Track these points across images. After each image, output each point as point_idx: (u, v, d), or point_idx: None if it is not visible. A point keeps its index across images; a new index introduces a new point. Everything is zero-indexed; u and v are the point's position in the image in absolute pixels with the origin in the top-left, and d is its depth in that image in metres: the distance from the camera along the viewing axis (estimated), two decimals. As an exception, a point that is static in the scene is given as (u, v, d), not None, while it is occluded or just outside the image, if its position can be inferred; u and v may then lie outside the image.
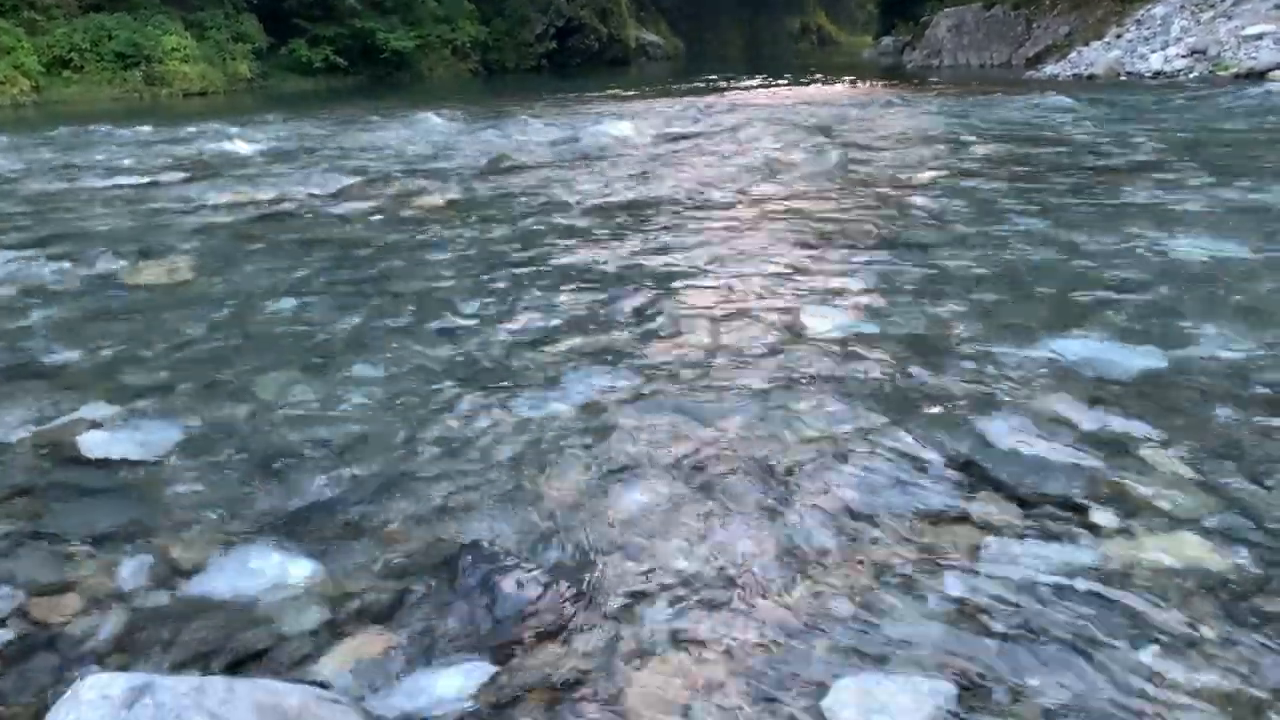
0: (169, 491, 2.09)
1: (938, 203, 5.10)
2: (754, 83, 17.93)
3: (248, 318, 3.46)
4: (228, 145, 9.32)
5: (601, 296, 3.54)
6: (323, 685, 1.39)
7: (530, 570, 1.66)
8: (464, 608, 1.59)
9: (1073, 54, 16.24)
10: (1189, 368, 2.57)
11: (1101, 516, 1.83)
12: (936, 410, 2.36)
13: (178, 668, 1.45)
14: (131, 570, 1.76)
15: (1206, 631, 1.49)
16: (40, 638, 1.57)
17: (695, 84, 18.00)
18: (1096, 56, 15.40)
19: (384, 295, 3.68)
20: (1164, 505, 1.86)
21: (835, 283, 3.57)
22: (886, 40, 29.88)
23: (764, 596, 1.62)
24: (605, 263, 4.08)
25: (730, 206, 5.27)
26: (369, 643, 1.53)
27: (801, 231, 4.54)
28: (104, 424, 2.46)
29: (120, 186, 6.90)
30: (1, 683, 1.45)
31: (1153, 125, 8.03)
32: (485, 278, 3.91)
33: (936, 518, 1.86)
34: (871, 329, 3.01)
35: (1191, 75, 13.19)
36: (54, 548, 1.85)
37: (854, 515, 1.88)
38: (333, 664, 1.48)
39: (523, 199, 5.83)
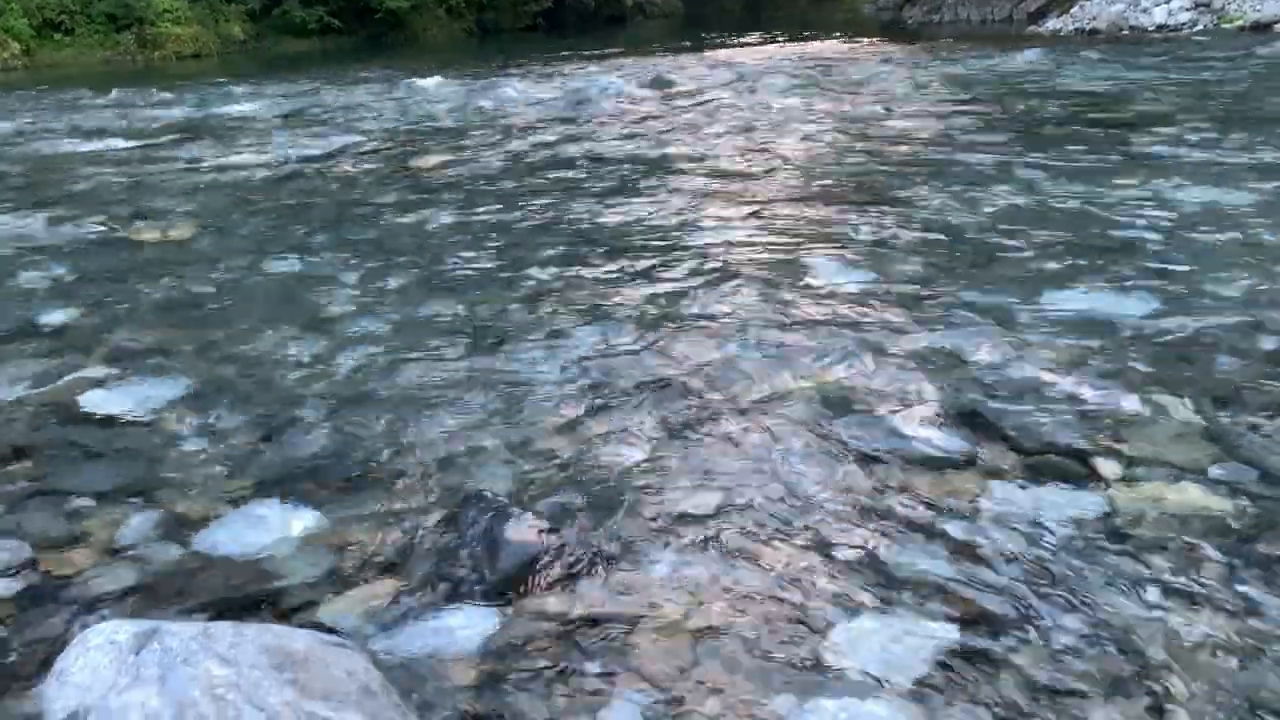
0: (172, 448, 2.09)
1: (939, 156, 5.06)
2: (753, 40, 17.71)
3: (247, 277, 3.45)
4: (222, 107, 9.24)
5: (601, 251, 3.52)
6: (329, 630, 1.40)
7: (534, 518, 1.66)
8: (468, 556, 1.60)
9: (1075, 8, 15.99)
10: (1191, 318, 2.57)
11: (1105, 464, 1.83)
12: (940, 359, 2.36)
13: (185, 616, 1.46)
14: (138, 524, 1.77)
15: (1209, 576, 1.50)
16: (49, 589, 1.58)
17: (694, 42, 17.79)
18: (1099, 10, 15.18)
19: (382, 253, 3.66)
20: (1167, 453, 1.86)
21: (838, 235, 3.56)
22: (886, -4, 29.42)
23: (769, 541, 1.63)
24: (604, 218, 4.05)
25: (730, 161, 5.23)
26: (374, 590, 1.54)
27: (804, 185, 4.51)
28: (105, 382, 2.46)
29: (115, 149, 6.85)
30: (12, 632, 1.46)
31: (1155, 79, 7.95)
32: (483, 235, 3.89)
33: (941, 465, 1.86)
34: (874, 280, 3.00)
35: (1195, 29, 13.00)
36: (61, 503, 1.86)
37: (859, 462, 1.89)
38: (339, 611, 1.49)
39: (519, 158, 5.79)
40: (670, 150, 5.74)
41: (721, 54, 14.36)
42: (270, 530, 1.73)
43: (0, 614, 1.51)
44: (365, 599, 1.52)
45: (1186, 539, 1.59)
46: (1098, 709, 1.24)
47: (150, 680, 1.08)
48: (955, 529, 1.65)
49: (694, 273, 3.19)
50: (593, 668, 1.35)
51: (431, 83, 10.39)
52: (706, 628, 1.42)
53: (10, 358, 2.68)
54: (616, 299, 2.97)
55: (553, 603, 1.49)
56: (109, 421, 2.25)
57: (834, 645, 1.36)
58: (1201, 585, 1.48)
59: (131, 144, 7.06)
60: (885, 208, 3.97)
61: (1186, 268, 2.96)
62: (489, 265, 3.43)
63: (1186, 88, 7.32)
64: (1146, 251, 3.16)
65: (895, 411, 2.09)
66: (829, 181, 4.60)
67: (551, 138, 6.53)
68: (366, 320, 2.88)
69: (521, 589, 1.52)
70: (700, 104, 7.92)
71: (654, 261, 3.35)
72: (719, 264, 3.27)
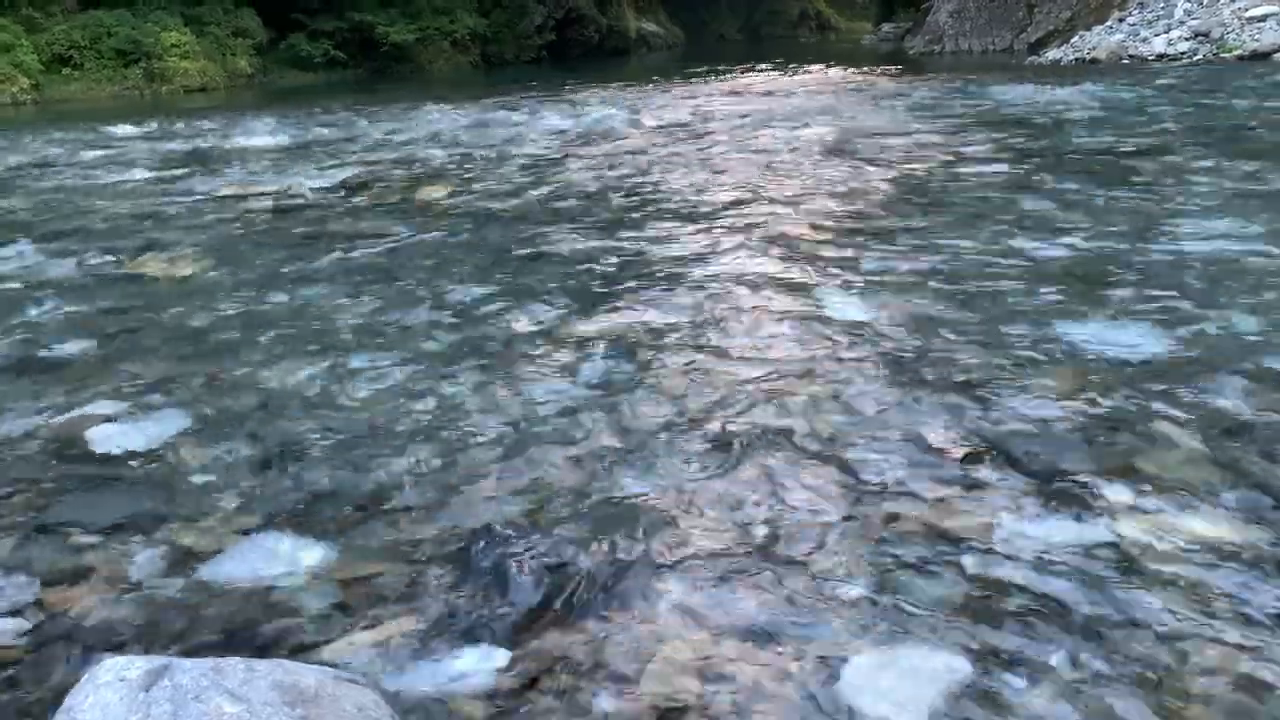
0: (180, 481, 2.09)
1: (945, 189, 5.08)
2: (755, 71, 17.88)
3: (254, 309, 3.46)
4: (229, 140, 9.31)
5: (606, 284, 3.53)
6: (338, 667, 1.39)
7: (544, 552, 1.66)
8: (478, 591, 1.59)
9: (1075, 38, 16.14)
10: (1200, 348, 2.56)
11: (1115, 493, 1.82)
12: (950, 390, 2.35)
13: (194, 653, 1.45)
14: (145, 558, 1.76)
15: (1222, 607, 1.49)
16: (57, 626, 1.57)
17: (696, 73, 17.95)
18: (1099, 40, 15.31)
19: (389, 285, 3.67)
20: (1178, 482, 1.86)
21: (847, 268, 3.56)
22: (887, 27, 29.68)
23: (780, 574, 1.62)
24: (609, 251, 4.07)
25: (736, 194, 5.25)
26: (384, 626, 1.53)
27: (810, 218, 4.52)
28: (113, 416, 2.46)
29: (123, 182, 6.90)
30: (20, 669, 1.46)
31: (1156, 109, 7.99)
32: (490, 267, 3.91)
33: (951, 494, 1.85)
34: (885, 312, 3.00)
35: (1195, 58, 13.09)
36: (68, 538, 1.86)
37: (870, 492, 1.88)
38: (348, 647, 1.48)
39: (525, 189, 5.82)
40: (675, 183, 5.77)
41: (724, 85, 14.48)
42: (279, 564, 1.72)
43: (9, 651, 1.50)
44: (374, 635, 1.50)
45: (1200, 568, 1.58)
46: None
47: (162, 717, 1.07)
48: (966, 559, 1.64)
49: (701, 303, 3.19)
50: (603, 704, 1.34)
51: (436, 115, 10.48)
52: (717, 662, 1.41)
53: (18, 392, 2.69)
54: (625, 330, 2.97)
55: (562, 638, 1.48)
56: (116, 455, 2.25)
57: (846, 680, 1.35)
58: (1216, 616, 1.46)
59: (138, 177, 7.12)
60: (891, 239, 3.98)
61: (1192, 298, 2.96)
62: (497, 296, 3.44)
63: (1188, 117, 7.35)
64: (1152, 282, 3.16)
65: (905, 441, 2.09)
66: (833, 213, 4.61)
67: (558, 168, 6.57)
68: (374, 352, 2.88)
69: (531, 624, 1.51)
70: (703, 137, 7.98)
71: (662, 291, 3.36)
72: (726, 295, 3.27)
